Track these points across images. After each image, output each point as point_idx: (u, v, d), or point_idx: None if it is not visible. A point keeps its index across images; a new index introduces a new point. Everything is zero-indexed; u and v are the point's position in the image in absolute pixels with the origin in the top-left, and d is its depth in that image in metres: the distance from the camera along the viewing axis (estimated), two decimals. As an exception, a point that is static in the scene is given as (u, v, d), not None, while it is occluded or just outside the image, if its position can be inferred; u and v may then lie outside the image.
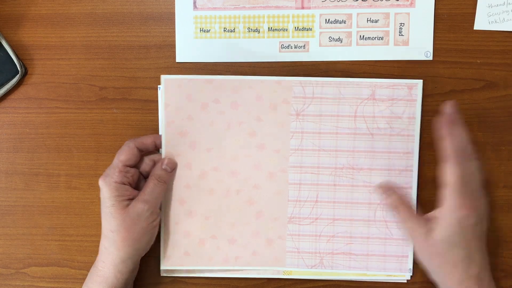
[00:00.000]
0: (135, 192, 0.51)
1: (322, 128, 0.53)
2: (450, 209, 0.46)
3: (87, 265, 0.57)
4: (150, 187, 0.51)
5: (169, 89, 0.53)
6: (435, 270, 0.48)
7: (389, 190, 0.52)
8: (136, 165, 0.52)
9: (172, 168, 0.53)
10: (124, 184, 0.50)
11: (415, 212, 0.50)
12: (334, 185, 0.54)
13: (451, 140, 0.46)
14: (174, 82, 0.53)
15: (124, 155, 0.51)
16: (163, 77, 0.53)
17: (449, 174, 0.46)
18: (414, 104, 0.53)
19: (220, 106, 0.53)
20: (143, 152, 0.53)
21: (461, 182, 0.45)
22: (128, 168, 0.51)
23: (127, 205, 0.50)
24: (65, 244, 0.57)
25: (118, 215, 0.49)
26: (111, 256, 0.50)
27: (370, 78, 0.53)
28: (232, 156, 0.54)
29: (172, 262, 0.55)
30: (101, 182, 0.50)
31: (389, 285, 0.55)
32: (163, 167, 0.52)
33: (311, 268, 0.55)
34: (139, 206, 0.50)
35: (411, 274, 0.54)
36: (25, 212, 0.57)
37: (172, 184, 0.54)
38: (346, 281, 0.55)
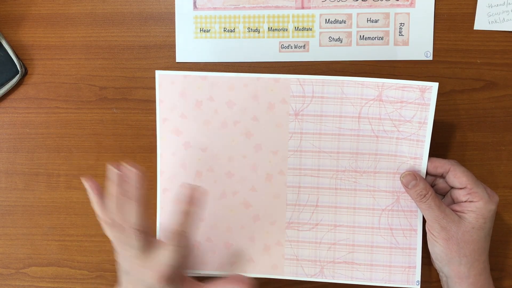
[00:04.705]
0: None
1: (323, 128, 0.51)
2: (484, 201, 0.47)
3: (87, 265, 0.57)
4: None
5: (163, 85, 0.52)
6: (461, 259, 0.47)
7: (419, 177, 0.49)
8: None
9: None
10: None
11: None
12: (336, 188, 0.52)
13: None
14: (168, 78, 0.52)
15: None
16: (157, 73, 0.52)
17: (460, 175, 0.48)
18: (427, 108, 0.49)
19: (214, 104, 0.52)
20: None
21: (475, 179, 0.48)
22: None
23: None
24: (65, 244, 0.57)
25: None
26: None
27: (375, 78, 0.50)
28: (227, 156, 0.52)
29: None
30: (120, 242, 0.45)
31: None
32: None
33: (311, 277, 0.52)
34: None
35: (419, 287, 0.52)
36: (25, 212, 0.57)
37: (169, 183, 0.53)
38: (348, 285, 0.53)
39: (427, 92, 0.49)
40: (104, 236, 0.56)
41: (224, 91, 0.51)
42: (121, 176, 0.45)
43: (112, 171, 0.45)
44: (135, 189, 0.45)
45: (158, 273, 0.43)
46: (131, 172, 0.45)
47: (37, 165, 0.57)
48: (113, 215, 0.45)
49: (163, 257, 0.44)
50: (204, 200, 0.46)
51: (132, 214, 0.44)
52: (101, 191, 0.46)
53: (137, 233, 0.44)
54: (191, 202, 0.44)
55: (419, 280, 0.52)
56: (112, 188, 0.45)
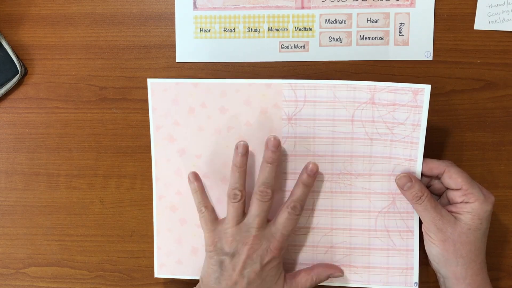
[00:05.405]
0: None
1: (316, 132, 0.51)
2: (480, 201, 0.47)
3: (87, 265, 0.57)
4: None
5: (156, 93, 0.52)
6: (458, 260, 0.47)
7: (414, 179, 0.49)
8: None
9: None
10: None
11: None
12: (331, 192, 0.51)
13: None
14: (160, 86, 0.52)
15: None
16: (149, 81, 0.52)
17: (455, 176, 0.48)
18: (420, 110, 0.49)
19: (207, 110, 0.51)
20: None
21: (471, 180, 0.48)
22: None
23: None
24: (65, 244, 0.57)
25: None
26: None
27: (369, 80, 0.50)
28: (222, 162, 0.52)
29: (165, 271, 0.53)
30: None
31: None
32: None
33: None
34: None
35: None
36: (25, 212, 0.57)
37: (165, 190, 0.53)
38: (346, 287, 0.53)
39: (420, 94, 0.49)
40: (104, 236, 0.57)
41: (216, 97, 0.51)
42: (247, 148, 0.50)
43: (241, 145, 0.49)
44: (275, 154, 0.49)
45: (277, 242, 0.48)
46: (270, 140, 0.49)
47: (37, 165, 0.57)
48: (237, 185, 0.49)
49: (283, 224, 0.48)
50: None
51: (271, 176, 0.49)
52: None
53: (270, 194, 0.48)
54: (314, 176, 0.50)
55: (417, 281, 0.51)
56: (242, 160, 0.49)
